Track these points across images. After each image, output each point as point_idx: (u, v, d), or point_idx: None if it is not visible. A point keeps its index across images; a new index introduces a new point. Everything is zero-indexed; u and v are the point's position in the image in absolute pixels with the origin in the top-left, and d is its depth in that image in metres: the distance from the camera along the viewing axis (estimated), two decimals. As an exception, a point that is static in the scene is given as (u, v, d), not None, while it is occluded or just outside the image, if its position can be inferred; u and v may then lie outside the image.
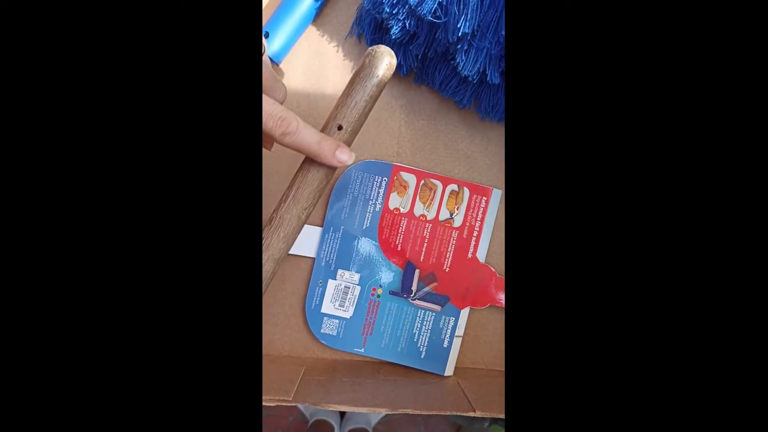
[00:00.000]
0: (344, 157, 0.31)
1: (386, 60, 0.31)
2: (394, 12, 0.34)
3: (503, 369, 0.43)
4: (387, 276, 0.42)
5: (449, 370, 0.42)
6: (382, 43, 0.39)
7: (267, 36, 0.35)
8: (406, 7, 0.33)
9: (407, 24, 0.34)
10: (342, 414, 0.91)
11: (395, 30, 0.35)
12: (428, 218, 0.42)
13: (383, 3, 0.34)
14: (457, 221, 0.42)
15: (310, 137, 0.30)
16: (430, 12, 0.32)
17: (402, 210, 0.42)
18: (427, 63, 0.39)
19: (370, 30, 0.39)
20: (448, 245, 0.42)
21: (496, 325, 0.44)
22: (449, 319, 0.42)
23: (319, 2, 0.39)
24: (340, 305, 0.42)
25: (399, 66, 0.40)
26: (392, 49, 0.32)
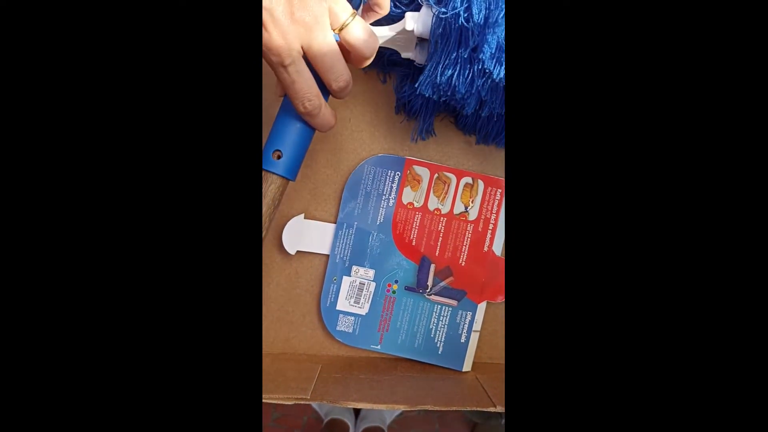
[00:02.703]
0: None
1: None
2: (472, 90, 0.32)
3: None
4: (402, 271, 0.41)
5: (467, 366, 0.42)
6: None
7: (281, 157, 0.32)
8: (489, 82, 0.31)
9: (483, 94, 0.32)
10: (357, 413, 0.91)
11: (469, 108, 0.33)
12: (443, 212, 0.41)
13: (455, 86, 0.31)
14: (472, 214, 0.41)
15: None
16: None
17: (416, 204, 0.41)
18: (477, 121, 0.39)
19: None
20: (464, 239, 0.41)
21: (513, 319, 0.43)
22: (466, 314, 0.41)
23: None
24: (355, 302, 0.42)
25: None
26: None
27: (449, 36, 0.30)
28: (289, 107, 0.31)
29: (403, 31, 0.33)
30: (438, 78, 0.32)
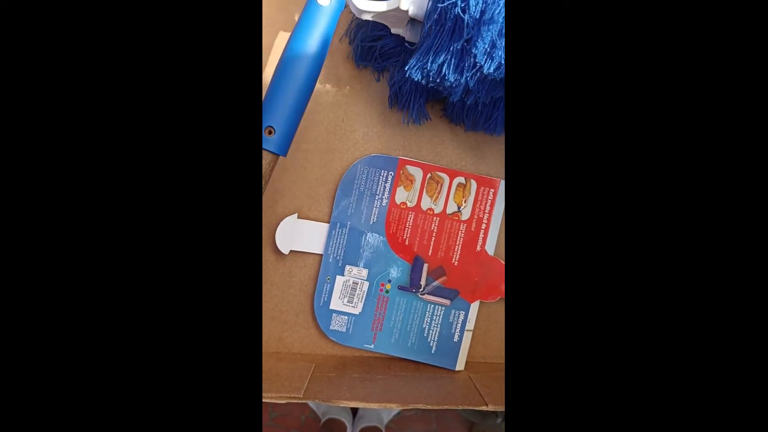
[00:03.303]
0: None
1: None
2: (461, 80, 0.31)
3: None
4: (395, 271, 0.41)
5: (460, 365, 0.42)
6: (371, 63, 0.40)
7: (272, 133, 0.32)
8: (478, 74, 0.31)
9: (471, 84, 0.32)
10: (354, 412, 0.91)
11: (455, 96, 0.33)
12: (436, 212, 0.41)
13: (445, 74, 0.31)
14: (465, 214, 0.41)
15: None
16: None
17: (409, 204, 0.41)
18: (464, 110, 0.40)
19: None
20: (457, 238, 0.41)
21: (506, 318, 0.43)
22: (459, 313, 0.41)
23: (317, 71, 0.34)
24: (348, 301, 0.42)
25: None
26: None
27: (444, 24, 0.30)
28: (281, 83, 0.32)
29: (398, 9, 0.33)
30: (429, 64, 0.31)
